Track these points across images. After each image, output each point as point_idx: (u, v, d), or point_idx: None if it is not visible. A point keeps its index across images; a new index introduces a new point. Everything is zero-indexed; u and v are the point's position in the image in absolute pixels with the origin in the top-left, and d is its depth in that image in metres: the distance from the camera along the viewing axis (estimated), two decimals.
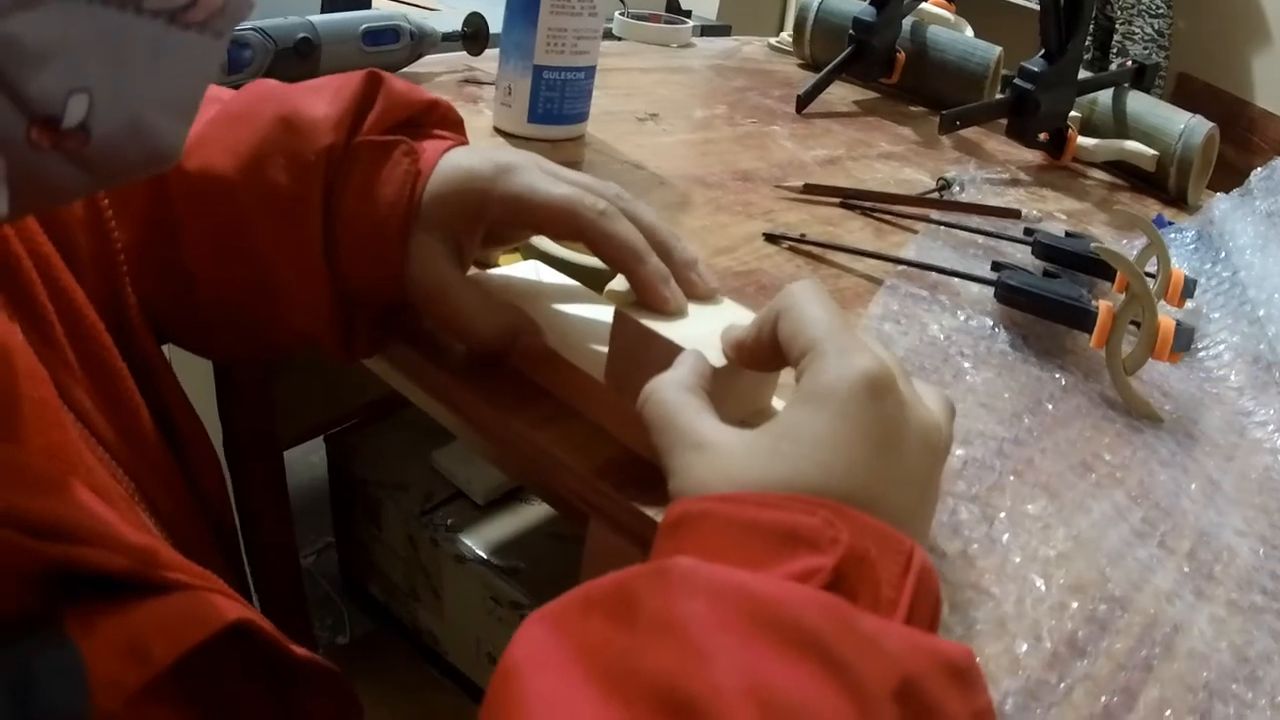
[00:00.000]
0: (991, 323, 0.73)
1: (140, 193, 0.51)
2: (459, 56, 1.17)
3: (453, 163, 0.51)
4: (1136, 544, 0.54)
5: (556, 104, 0.92)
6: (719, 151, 1.01)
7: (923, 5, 1.33)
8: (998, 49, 1.27)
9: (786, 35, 1.44)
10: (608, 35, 1.44)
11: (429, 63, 1.13)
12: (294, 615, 1.14)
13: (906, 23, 1.27)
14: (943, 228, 0.87)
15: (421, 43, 1.07)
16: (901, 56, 1.25)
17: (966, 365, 0.66)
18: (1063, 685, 0.44)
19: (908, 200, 0.91)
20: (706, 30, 1.59)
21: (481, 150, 0.52)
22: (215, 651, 0.33)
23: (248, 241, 0.51)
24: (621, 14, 1.42)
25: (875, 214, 0.89)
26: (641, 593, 0.32)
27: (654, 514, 0.47)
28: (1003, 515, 0.53)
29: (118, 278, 0.50)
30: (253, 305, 0.53)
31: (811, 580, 0.33)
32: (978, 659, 0.43)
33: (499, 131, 0.95)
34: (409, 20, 1.05)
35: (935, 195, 0.96)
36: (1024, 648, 0.45)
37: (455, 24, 1.12)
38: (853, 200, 0.90)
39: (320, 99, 0.50)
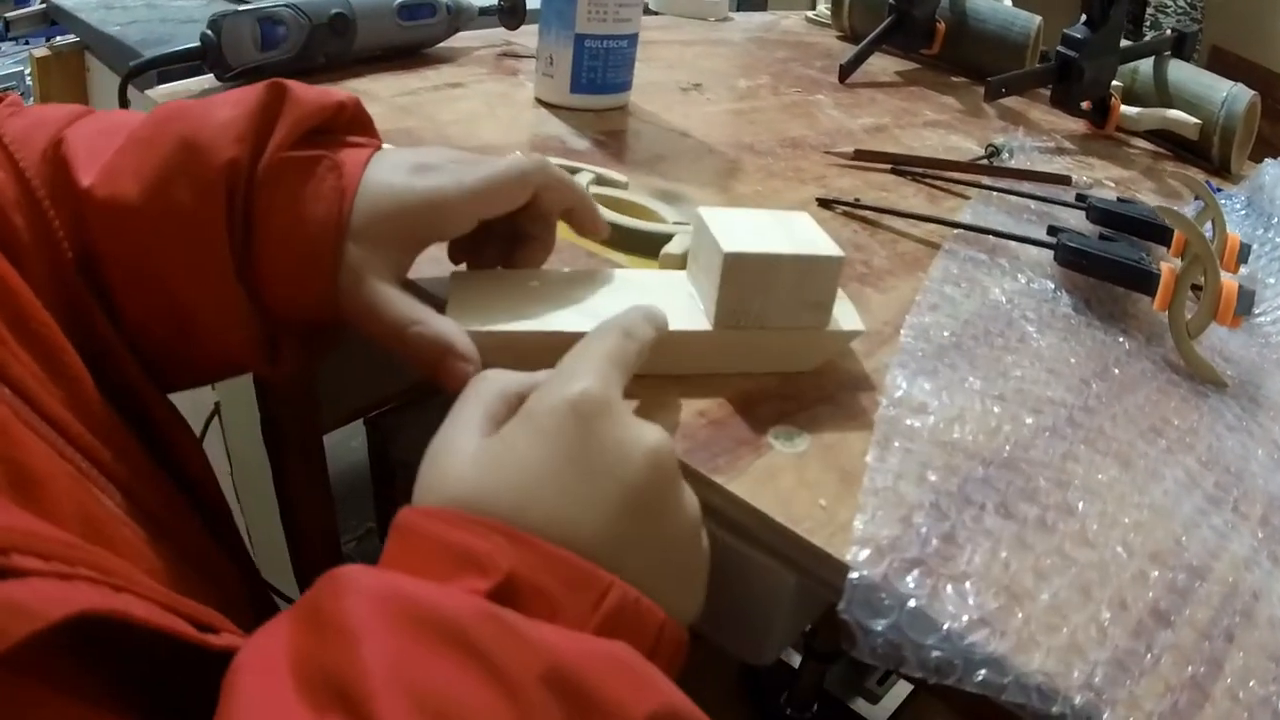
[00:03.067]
0: (1053, 286, 0.70)
1: (63, 230, 0.48)
2: (496, 31, 1.15)
3: (385, 180, 0.49)
4: (1211, 511, 0.52)
5: (599, 73, 0.90)
6: (765, 120, 0.98)
7: None
8: (1038, 18, 1.23)
9: (824, 8, 1.41)
10: (644, 10, 1.42)
11: (465, 38, 1.10)
12: None
13: None
14: (995, 193, 0.84)
15: (458, 17, 1.05)
16: (942, 26, 1.22)
17: (1031, 329, 0.64)
18: (1149, 656, 0.42)
19: (959, 166, 0.88)
20: (743, 4, 1.56)
21: (403, 162, 0.50)
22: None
23: (159, 267, 0.48)
24: None
25: (927, 180, 0.87)
26: (320, 597, 0.33)
27: (720, 479, 0.46)
28: (1077, 483, 0.50)
29: (59, 255, 0.47)
30: (172, 333, 0.50)
31: None
32: (1065, 627, 0.41)
33: (541, 103, 0.93)
34: None
35: (985, 162, 0.93)
36: (1109, 616, 0.43)
37: None
38: (904, 166, 0.87)
39: (222, 112, 0.48)
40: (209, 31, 0.89)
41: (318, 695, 0.30)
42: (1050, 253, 0.70)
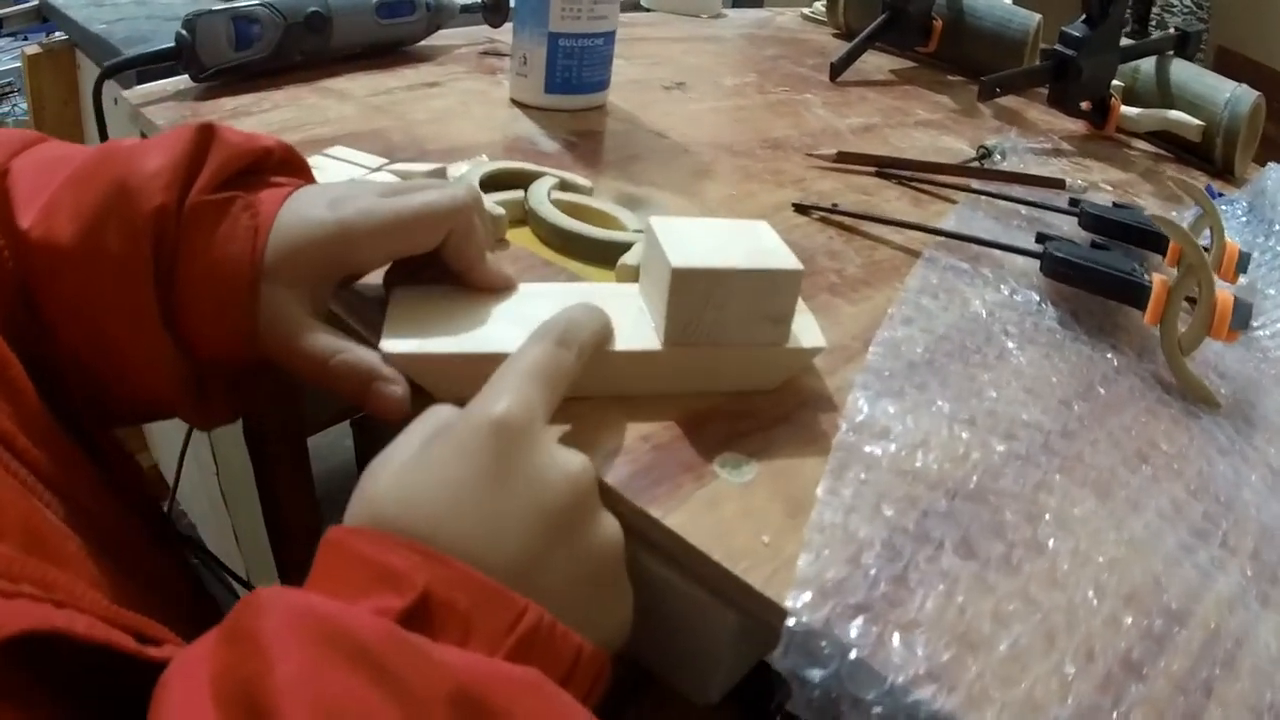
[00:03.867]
0: (1038, 297, 0.66)
1: (8, 250, 0.48)
2: (480, 29, 1.11)
3: (300, 214, 0.48)
4: (1196, 546, 0.48)
5: (575, 72, 0.86)
6: (749, 119, 0.94)
7: None
8: (1037, 16, 1.19)
9: (820, 4, 1.36)
10: (635, 6, 1.37)
11: (447, 35, 1.07)
12: None
13: None
14: (984, 197, 0.80)
15: (439, 14, 1.01)
16: (938, 24, 1.17)
17: (1011, 345, 0.59)
18: (1117, 712, 0.37)
19: (947, 169, 0.83)
20: (739, 1, 1.51)
21: (320, 196, 0.49)
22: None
23: (91, 309, 0.47)
24: None
25: (912, 183, 0.82)
26: (240, 616, 0.33)
27: (656, 513, 0.42)
28: (1048, 517, 0.46)
29: (2, 272, 0.47)
30: (105, 372, 0.49)
31: (384, 616, 0.34)
32: (1023, 680, 0.37)
33: (515, 103, 0.89)
34: None
35: (975, 164, 0.88)
36: (1073, 669, 0.38)
37: None
38: (889, 169, 0.83)
39: (153, 158, 0.47)
40: (183, 31, 0.85)
41: (232, 709, 0.30)
42: (1037, 262, 0.66)
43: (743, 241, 0.49)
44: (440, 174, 0.66)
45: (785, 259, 0.48)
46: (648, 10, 1.34)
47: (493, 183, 0.68)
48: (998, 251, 0.70)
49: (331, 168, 0.68)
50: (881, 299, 0.62)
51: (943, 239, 0.71)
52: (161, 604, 0.43)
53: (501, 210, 0.63)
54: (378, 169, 0.68)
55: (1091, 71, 1.02)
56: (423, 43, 1.03)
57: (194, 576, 0.56)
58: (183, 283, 0.47)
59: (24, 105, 1.57)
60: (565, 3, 0.82)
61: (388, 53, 0.99)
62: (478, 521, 0.37)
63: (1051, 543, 0.44)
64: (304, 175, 0.55)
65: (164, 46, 0.88)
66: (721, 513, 0.42)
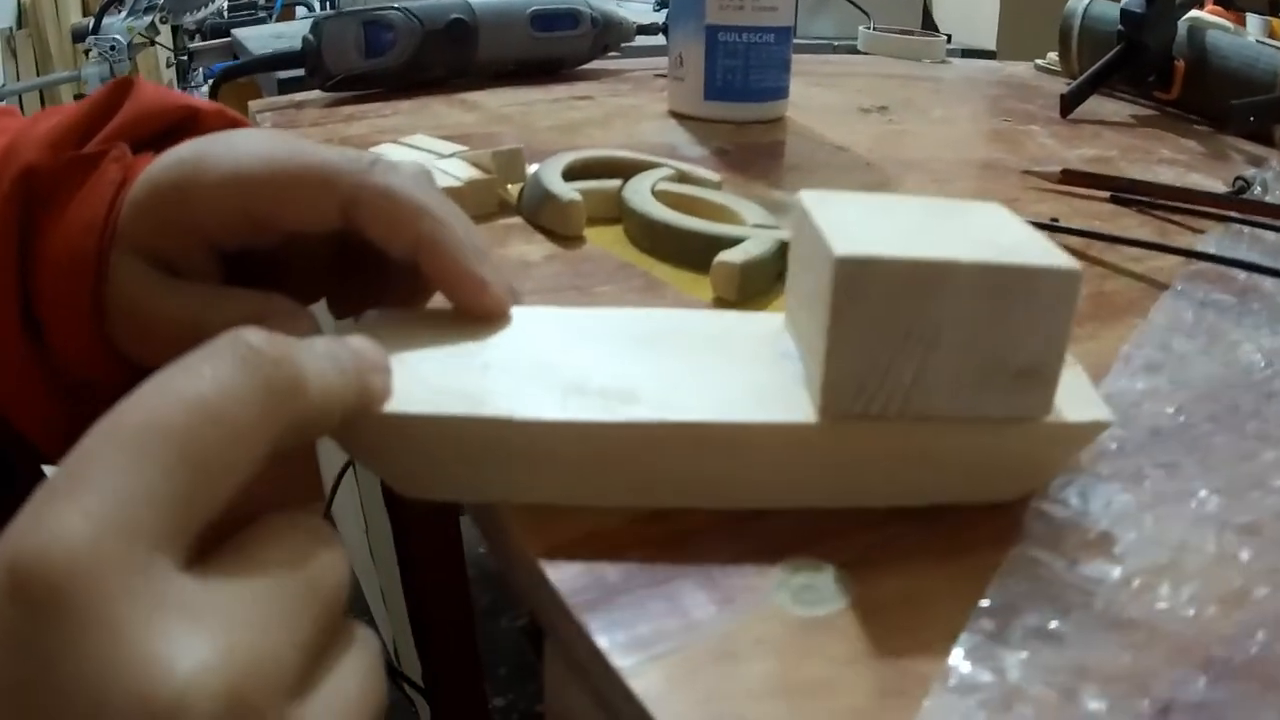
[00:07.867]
0: None
1: None
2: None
3: (172, 157, 0.31)
4: None
5: (739, 75, 0.65)
6: (954, 142, 0.71)
7: (1198, 13, 0.95)
8: None
9: (1053, 55, 1.11)
10: (851, 50, 1.16)
11: (628, 63, 0.89)
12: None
13: (1183, 28, 0.91)
14: (1246, 228, 0.53)
15: (607, 31, 0.83)
16: (1180, 65, 0.89)
17: None
18: None
19: (1201, 198, 0.57)
20: (969, 54, 1.27)
21: (205, 141, 0.31)
22: None
23: None
24: (867, 28, 1.13)
25: (1156, 211, 0.56)
26: None
27: (620, 660, 0.20)
28: None
29: None
30: None
31: None
32: None
33: (674, 114, 0.69)
34: (591, 5, 0.81)
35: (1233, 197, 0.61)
36: None
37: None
38: (1126, 193, 0.57)
39: (55, 116, 0.34)
40: (310, 36, 0.71)
41: None
42: None
43: (961, 224, 0.26)
44: (515, 156, 0.47)
45: (1049, 253, 0.24)
46: (864, 54, 1.12)
47: (587, 172, 0.48)
48: (1270, 283, 0.44)
49: (396, 153, 0.50)
50: (1113, 339, 0.38)
51: (1198, 268, 0.46)
52: None
53: (576, 196, 0.43)
54: (450, 155, 0.49)
55: None
56: (593, 65, 0.86)
57: None
58: (39, 258, 0.32)
59: None
60: None
61: (548, 72, 0.82)
62: None
63: None
64: None
65: (288, 50, 0.74)
66: (745, 678, 0.20)
